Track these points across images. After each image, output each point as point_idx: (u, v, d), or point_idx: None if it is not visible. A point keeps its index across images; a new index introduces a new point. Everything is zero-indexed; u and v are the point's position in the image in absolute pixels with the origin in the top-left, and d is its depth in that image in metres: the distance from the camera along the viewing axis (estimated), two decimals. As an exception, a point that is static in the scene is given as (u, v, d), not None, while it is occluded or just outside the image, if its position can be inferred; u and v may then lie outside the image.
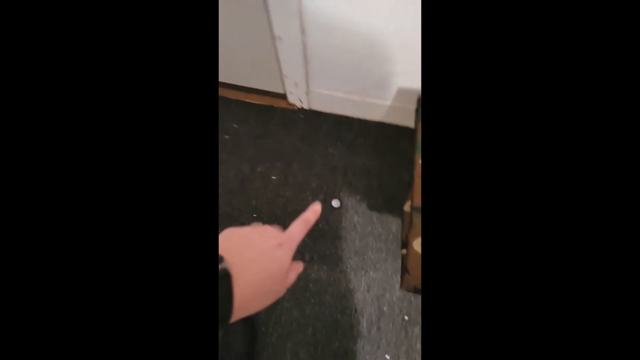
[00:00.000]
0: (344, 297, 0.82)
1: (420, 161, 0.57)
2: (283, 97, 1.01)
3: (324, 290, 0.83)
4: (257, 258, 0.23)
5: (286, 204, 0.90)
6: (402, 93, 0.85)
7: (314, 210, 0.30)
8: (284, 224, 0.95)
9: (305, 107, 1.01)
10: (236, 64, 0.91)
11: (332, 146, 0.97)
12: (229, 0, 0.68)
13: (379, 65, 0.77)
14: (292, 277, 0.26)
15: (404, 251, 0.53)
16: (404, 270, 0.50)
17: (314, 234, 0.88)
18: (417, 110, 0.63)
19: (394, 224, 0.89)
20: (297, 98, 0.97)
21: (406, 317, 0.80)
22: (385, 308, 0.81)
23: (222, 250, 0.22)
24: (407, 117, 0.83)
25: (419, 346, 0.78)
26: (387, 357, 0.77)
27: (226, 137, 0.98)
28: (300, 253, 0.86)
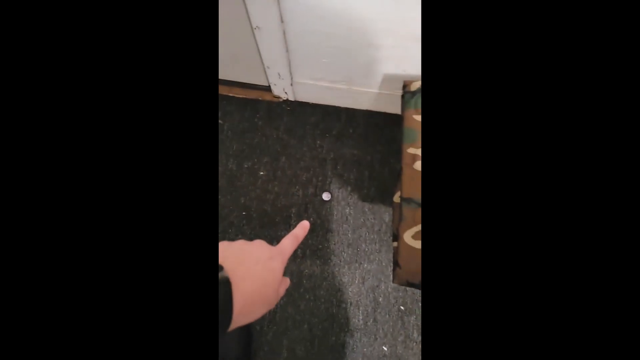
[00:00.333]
0: (338, 291, 0.82)
1: (408, 150, 0.55)
2: (267, 89, 0.97)
3: (318, 285, 0.82)
4: (254, 267, 0.24)
5: (275, 200, 0.88)
6: (388, 79, 0.82)
7: (303, 227, 0.31)
8: (274, 220, 0.92)
9: (291, 98, 0.98)
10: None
11: (321, 138, 0.95)
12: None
13: (363, 52, 0.74)
14: (282, 290, 0.28)
15: (395, 244, 0.51)
16: (396, 263, 0.49)
17: (306, 228, 0.86)
18: (403, 97, 0.60)
19: (386, 214, 0.88)
20: (282, 90, 0.94)
21: (402, 307, 0.80)
22: (380, 299, 0.81)
23: (220, 260, 0.23)
24: (395, 104, 0.81)
25: (416, 335, 0.78)
26: (385, 348, 0.77)
27: (210, 134, 0.95)
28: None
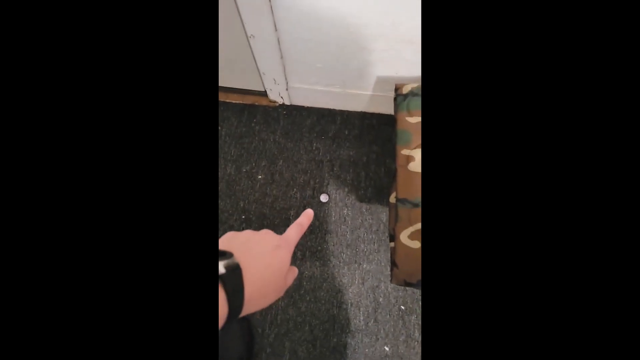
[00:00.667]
0: (339, 292, 0.82)
1: (402, 152, 0.56)
2: (263, 94, 0.99)
3: (319, 286, 0.83)
4: (261, 255, 0.24)
5: (274, 203, 0.89)
6: (381, 82, 0.83)
7: (308, 215, 0.31)
8: (273, 223, 0.94)
9: (287, 103, 0.99)
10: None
11: (317, 140, 0.96)
12: None
13: (355, 55, 0.75)
14: (290, 279, 0.28)
15: (392, 244, 0.52)
16: (393, 264, 0.50)
17: (305, 230, 0.87)
18: (395, 99, 0.61)
19: (384, 214, 0.89)
20: (278, 94, 0.95)
21: (402, 307, 0.80)
22: (381, 299, 0.82)
23: (228, 248, 0.23)
24: (389, 105, 0.82)
25: (417, 335, 0.79)
26: (387, 348, 0.78)
27: (208, 140, 0.96)
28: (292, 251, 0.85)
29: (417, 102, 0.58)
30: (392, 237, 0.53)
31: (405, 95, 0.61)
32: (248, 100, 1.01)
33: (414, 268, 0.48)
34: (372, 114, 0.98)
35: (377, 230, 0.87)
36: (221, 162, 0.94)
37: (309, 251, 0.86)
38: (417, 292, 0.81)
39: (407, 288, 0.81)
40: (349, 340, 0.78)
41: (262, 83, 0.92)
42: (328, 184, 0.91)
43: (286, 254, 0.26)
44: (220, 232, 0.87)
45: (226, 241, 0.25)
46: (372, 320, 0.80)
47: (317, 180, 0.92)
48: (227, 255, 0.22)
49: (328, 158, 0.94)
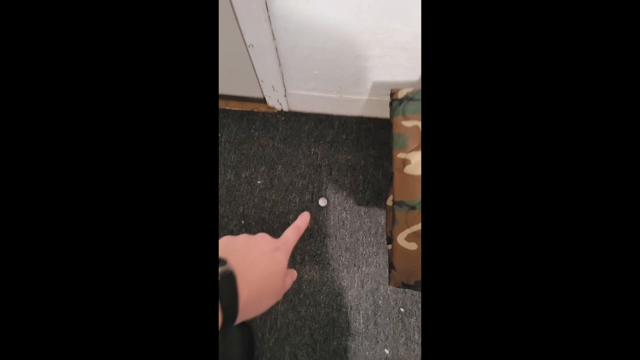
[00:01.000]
0: (338, 295, 0.83)
1: (398, 155, 0.58)
2: (262, 101, 1.00)
3: (318, 290, 0.83)
4: (258, 259, 0.24)
5: (273, 207, 0.90)
6: (377, 87, 0.85)
7: (304, 218, 0.31)
8: (272, 227, 0.94)
9: (285, 109, 1.01)
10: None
11: (315, 145, 0.97)
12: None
13: (351, 62, 0.77)
14: (289, 282, 0.27)
15: (390, 246, 0.53)
16: (391, 266, 0.51)
17: (304, 234, 0.88)
18: (391, 104, 0.63)
19: (382, 217, 0.90)
20: (276, 101, 0.97)
21: (402, 309, 0.81)
22: (380, 302, 0.82)
23: (223, 254, 0.23)
24: (385, 109, 0.83)
25: (417, 337, 0.79)
26: (387, 351, 0.78)
27: (208, 146, 0.98)
28: (291, 255, 0.86)
29: (412, 107, 0.60)
30: (390, 240, 0.54)
31: (401, 100, 0.62)
32: (247, 107, 1.02)
33: (411, 270, 0.49)
34: (369, 118, 1.00)
35: (376, 233, 0.88)
36: (221, 168, 0.95)
37: (308, 255, 0.86)
38: (417, 295, 0.81)
39: (406, 290, 0.82)
40: (349, 343, 0.78)
41: (261, 90, 0.94)
42: (326, 188, 0.92)
43: (283, 256, 0.26)
44: (220, 237, 0.87)
45: (222, 246, 0.25)
46: (372, 323, 0.80)
47: (316, 184, 0.93)
48: (220, 262, 0.22)
49: (326, 162, 0.95)
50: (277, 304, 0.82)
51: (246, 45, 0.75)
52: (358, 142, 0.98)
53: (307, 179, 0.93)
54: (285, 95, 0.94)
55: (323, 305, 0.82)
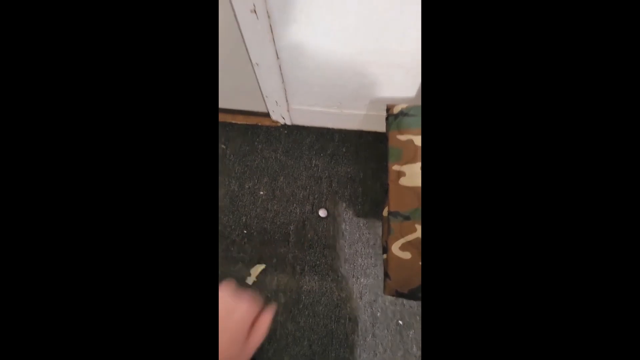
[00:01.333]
0: (337, 307, 0.83)
1: (393, 167, 0.60)
2: (266, 115, 1.05)
3: (317, 300, 0.84)
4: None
5: (275, 218, 0.93)
6: (375, 102, 0.89)
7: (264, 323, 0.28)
8: (273, 237, 0.96)
9: (288, 123, 1.05)
10: (221, 89, 0.95)
11: (316, 158, 1.00)
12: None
13: (350, 79, 0.81)
14: (255, 341, 0.25)
15: (385, 256, 0.55)
16: (386, 275, 0.52)
17: (303, 245, 0.90)
18: (387, 119, 0.66)
19: (380, 229, 0.91)
20: (280, 115, 1.01)
21: (400, 322, 0.81)
22: (378, 314, 0.82)
23: None
24: (383, 123, 0.87)
25: (415, 350, 0.78)
26: (385, 363, 0.77)
27: (213, 157, 1.02)
28: (291, 265, 0.87)
29: (407, 121, 0.63)
30: (385, 249, 0.55)
31: (396, 115, 0.65)
32: (252, 120, 1.07)
33: (405, 278, 0.50)
34: (368, 132, 1.03)
35: (374, 244, 0.89)
36: (225, 179, 0.98)
37: (308, 265, 0.87)
38: (415, 307, 0.81)
39: (404, 302, 0.82)
40: (347, 355, 0.78)
41: (265, 105, 0.98)
42: (327, 199, 0.95)
43: (241, 316, 0.24)
44: (222, 246, 0.90)
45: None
46: (370, 335, 0.80)
47: (316, 195, 0.95)
48: None
49: (326, 174, 0.98)
50: (277, 314, 0.83)
51: (252, 64, 0.80)
52: (357, 155, 1.01)
53: (307, 190, 0.96)
54: (288, 110, 0.98)
55: (322, 316, 0.82)
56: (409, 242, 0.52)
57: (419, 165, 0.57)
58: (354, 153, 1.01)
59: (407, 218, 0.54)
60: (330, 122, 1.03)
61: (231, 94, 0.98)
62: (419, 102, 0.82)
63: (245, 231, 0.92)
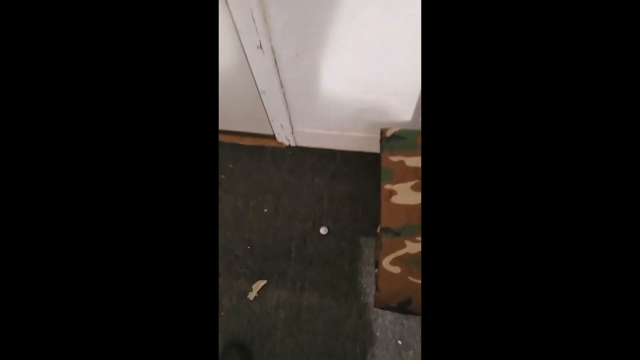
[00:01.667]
0: (336, 324, 0.84)
1: (385, 186, 0.64)
2: (272, 137, 1.12)
3: (316, 317, 0.85)
4: None
5: (277, 234, 0.96)
6: (373, 125, 0.94)
7: None
8: (275, 253, 1.00)
9: (292, 144, 1.11)
10: (230, 114, 1.04)
11: (318, 177, 1.05)
12: (222, 63, 0.82)
13: (350, 105, 0.88)
14: None
15: (376, 270, 0.57)
16: (376, 288, 0.54)
17: (304, 261, 0.92)
18: (380, 141, 0.71)
19: (380, 247, 0.93)
20: (284, 137, 1.08)
21: (399, 342, 0.80)
22: (378, 333, 0.82)
23: None
24: (382, 147, 0.92)
25: (414, 371, 0.77)
26: (383, 385, 0.76)
27: (222, 176, 1.08)
28: (292, 281, 0.90)
29: (398, 144, 0.68)
30: (377, 264, 0.58)
31: (389, 138, 0.70)
32: (259, 142, 1.14)
33: (394, 292, 0.52)
34: (368, 153, 1.08)
35: (374, 263, 0.91)
36: (232, 196, 1.04)
37: (308, 281, 0.89)
38: (414, 327, 0.81)
39: (404, 323, 0.82)
40: (345, 375, 0.78)
41: (272, 128, 1.06)
42: (327, 217, 0.98)
43: None
44: (225, 261, 0.93)
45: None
46: (369, 354, 0.80)
47: (318, 213, 0.99)
48: None
49: (328, 193, 1.02)
50: (276, 329, 0.84)
51: (259, 92, 0.88)
52: (358, 175, 1.05)
53: (309, 207, 1.00)
54: (292, 132, 1.05)
55: (321, 333, 0.83)
56: (399, 257, 0.54)
57: (409, 184, 0.61)
58: (354, 173, 1.05)
59: (397, 234, 0.57)
60: (332, 144, 1.08)
61: (240, 118, 1.06)
62: (413, 126, 0.87)
63: (248, 247, 0.95)
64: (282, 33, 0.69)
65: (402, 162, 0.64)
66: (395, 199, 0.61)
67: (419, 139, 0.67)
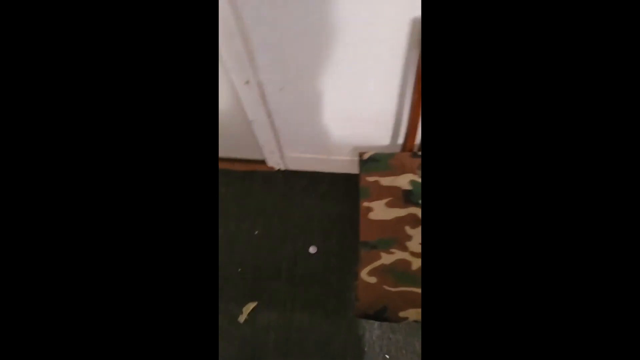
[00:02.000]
0: (326, 343, 0.85)
1: (363, 204, 0.70)
2: (263, 162, 1.19)
3: (306, 337, 0.86)
4: None
5: (267, 255, 1.00)
6: (355, 149, 1.02)
7: None
8: (266, 273, 1.04)
9: (282, 168, 1.19)
10: (222, 141, 1.12)
11: (308, 198, 1.11)
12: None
13: (333, 132, 0.96)
14: None
15: (356, 282, 0.62)
16: (356, 298, 0.58)
17: (294, 280, 0.95)
18: (359, 163, 0.78)
19: (367, 264, 0.96)
20: (275, 162, 1.15)
21: (387, 356, 0.81)
22: (366, 348, 0.83)
23: None
24: (364, 168, 0.99)
25: (404, 388, 0.78)
26: (374, 403, 0.76)
27: (215, 200, 1.13)
28: (282, 302, 0.92)
29: (374, 165, 0.75)
30: (356, 275, 0.62)
31: (366, 161, 0.77)
32: (250, 167, 1.21)
33: (371, 301, 0.56)
34: (354, 175, 1.14)
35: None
36: (224, 220, 1.08)
37: (298, 301, 0.92)
38: (401, 341, 0.83)
39: (390, 337, 0.84)
40: (335, 394, 0.78)
41: (262, 153, 1.13)
42: (317, 236, 1.02)
43: None
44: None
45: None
46: (359, 372, 0.80)
47: (307, 233, 1.03)
48: None
49: (317, 213, 1.07)
50: (267, 353, 0.85)
51: (249, 120, 0.96)
52: (345, 196, 1.11)
53: (299, 228, 1.05)
54: (282, 157, 1.12)
55: (311, 353, 0.84)
56: (375, 268, 0.59)
57: (383, 201, 0.67)
58: (342, 194, 1.11)
59: (374, 247, 0.62)
60: (320, 167, 1.16)
61: (231, 145, 1.14)
62: (390, 149, 0.95)
63: (239, 269, 0.98)
64: (268, 70, 0.79)
65: (377, 181, 0.71)
66: (371, 215, 0.67)
67: (390, 161, 0.74)
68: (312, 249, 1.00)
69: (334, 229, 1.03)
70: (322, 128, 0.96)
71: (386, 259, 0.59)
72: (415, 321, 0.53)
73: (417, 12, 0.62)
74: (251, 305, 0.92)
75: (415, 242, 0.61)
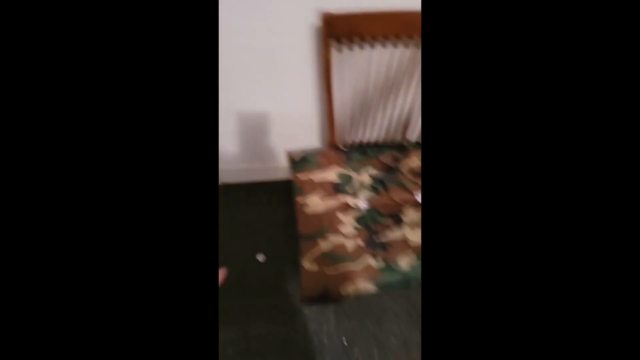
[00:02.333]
0: (285, 345, 0.86)
1: (298, 200, 0.74)
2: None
3: (266, 344, 0.86)
4: None
5: (215, 272, 0.97)
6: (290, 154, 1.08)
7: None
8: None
9: (219, 182, 1.17)
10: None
11: (249, 209, 1.11)
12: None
13: (264, 138, 1.00)
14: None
15: (301, 272, 0.65)
16: (300, 287, 0.62)
17: (247, 292, 0.94)
18: (290, 164, 0.83)
19: (316, 260, 1.01)
20: (212, 177, 1.14)
21: (344, 337, 0.86)
22: (326, 341, 0.87)
23: None
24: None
25: (363, 367, 0.83)
26: (338, 390, 0.79)
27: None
28: (236, 315, 0.90)
29: (303, 165, 0.80)
30: (299, 266, 0.66)
31: (298, 162, 0.83)
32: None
33: (312, 287, 0.61)
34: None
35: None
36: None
37: (253, 311, 0.91)
38: (356, 325, 0.88)
39: (346, 324, 0.89)
40: (301, 392, 0.79)
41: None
42: (264, 244, 1.03)
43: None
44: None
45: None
46: (321, 364, 0.83)
47: (254, 242, 1.03)
48: None
49: (260, 222, 1.08)
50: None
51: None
52: (287, 201, 1.14)
53: (245, 240, 1.04)
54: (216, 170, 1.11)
55: (273, 358, 0.84)
56: (315, 257, 0.64)
57: (317, 196, 0.73)
58: (284, 198, 1.15)
59: (312, 238, 0.67)
60: (258, 176, 1.18)
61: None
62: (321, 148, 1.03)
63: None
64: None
65: (310, 179, 0.77)
66: (307, 210, 0.72)
67: (319, 158, 0.81)
68: (261, 258, 1.00)
69: (281, 234, 1.06)
70: (254, 136, 0.99)
71: (324, 245, 0.65)
72: (356, 296, 0.59)
73: (313, 19, 0.72)
74: (204, 328, 0.87)
75: (347, 224, 0.68)
